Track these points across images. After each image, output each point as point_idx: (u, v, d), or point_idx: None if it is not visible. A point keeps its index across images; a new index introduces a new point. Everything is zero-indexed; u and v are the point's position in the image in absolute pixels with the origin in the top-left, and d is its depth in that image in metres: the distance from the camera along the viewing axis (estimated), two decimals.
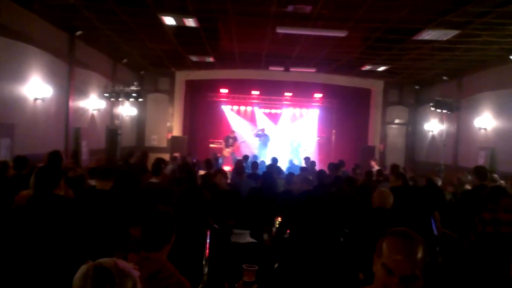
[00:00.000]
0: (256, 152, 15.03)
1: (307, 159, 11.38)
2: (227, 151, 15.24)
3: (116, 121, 13.04)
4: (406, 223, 1.69)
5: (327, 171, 8.00)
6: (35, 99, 8.31)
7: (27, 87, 8.04)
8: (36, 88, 8.25)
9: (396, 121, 16.00)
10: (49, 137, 8.84)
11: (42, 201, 2.78)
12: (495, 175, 6.32)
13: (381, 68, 12.81)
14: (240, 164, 7.81)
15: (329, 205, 4.96)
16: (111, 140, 12.59)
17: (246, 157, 11.03)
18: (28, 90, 8.06)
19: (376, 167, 10.64)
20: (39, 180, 2.82)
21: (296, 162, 13.07)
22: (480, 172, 5.51)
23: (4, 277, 2.58)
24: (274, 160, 9.44)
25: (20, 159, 5.19)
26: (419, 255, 1.57)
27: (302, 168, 8.69)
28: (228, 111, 17.69)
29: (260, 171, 8.18)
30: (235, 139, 15.62)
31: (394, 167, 8.02)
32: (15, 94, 7.70)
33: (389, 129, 16.02)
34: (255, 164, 8.57)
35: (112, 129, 12.71)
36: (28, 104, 8.12)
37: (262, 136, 15.72)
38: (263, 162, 8.83)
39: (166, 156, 11.51)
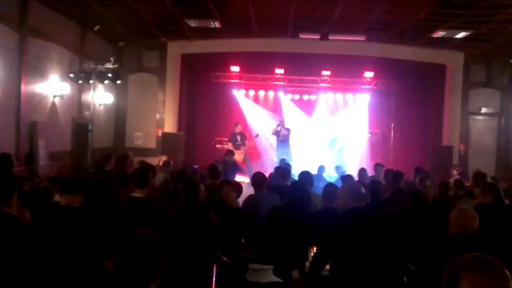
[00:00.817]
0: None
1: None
2: (238, 155, 15.16)
3: (86, 112, 13.23)
4: (496, 256, 1.69)
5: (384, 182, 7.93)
6: None
7: None
8: None
9: (483, 110, 15.82)
10: None
11: None
12: None
13: (460, 35, 12.70)
14: (259, 175, 7.85)
15: (386, 229, 4.95)
16: (79, 138, 12.76)
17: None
18: None
19: (456, 177, 10.51)
20: None
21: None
22: None
23: None
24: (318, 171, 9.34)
25: None
26: None
27: (343, 177, 8.66)
28: (242, 97, 17.77)
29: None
30: (243, 135, 15.58)
31: (479, 176, 7.92)
32: None
33: (473, 122, 15.87)
34: (286, 173, 8.58)
35: (81, 124, 12.90)
36: None
37: (281, 131, 15.37)
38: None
39: (155, 161, 11.62)
